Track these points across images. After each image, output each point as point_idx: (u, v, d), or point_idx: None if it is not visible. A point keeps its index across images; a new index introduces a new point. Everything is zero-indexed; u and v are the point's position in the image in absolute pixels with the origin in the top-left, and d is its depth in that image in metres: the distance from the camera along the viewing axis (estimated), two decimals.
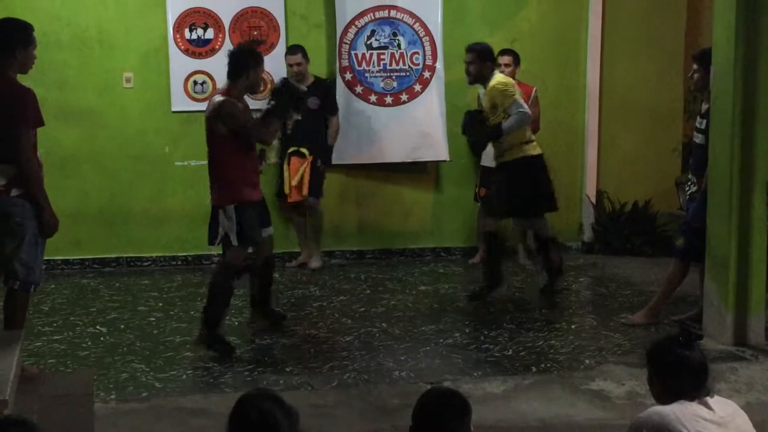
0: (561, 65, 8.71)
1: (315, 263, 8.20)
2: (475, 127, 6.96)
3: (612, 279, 7.79)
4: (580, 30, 8.70)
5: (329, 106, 8.14)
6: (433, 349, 5.92)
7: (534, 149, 6.87)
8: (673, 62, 8.75)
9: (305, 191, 8.02)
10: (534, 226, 7.11)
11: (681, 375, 3.16)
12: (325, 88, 8.14)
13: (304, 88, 6.40)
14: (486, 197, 8.17)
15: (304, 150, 7.97)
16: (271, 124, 5.91)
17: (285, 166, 7.99)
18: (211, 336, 5.82)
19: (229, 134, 5.78)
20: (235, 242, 5.78)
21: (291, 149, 7.97)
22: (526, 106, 6.72)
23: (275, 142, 6.41)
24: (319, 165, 8.10)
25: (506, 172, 6.85)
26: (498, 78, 6.78)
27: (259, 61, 5.91)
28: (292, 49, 8.00)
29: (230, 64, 5.85)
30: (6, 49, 4.93)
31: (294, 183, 7.97)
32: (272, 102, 5.95)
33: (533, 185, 6.84)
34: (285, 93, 5.99)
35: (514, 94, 6.68)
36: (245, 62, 5.81)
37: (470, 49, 6.89)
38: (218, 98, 5.81)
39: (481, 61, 6.78)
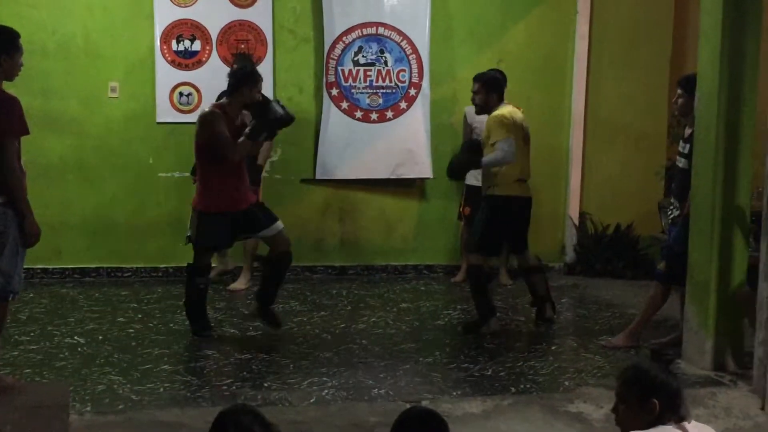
0: (546, 86, 8.75)
1: (239, 285, 7.97)
2: (463, 152, 6.91)
3: (593, 301, 7.81)
4: (566, 52, 8.75)
5: None
6: (412, 367, 5.90)
7: (524, 190, 6.68)
8: (658, 86, 8.80)
9: None
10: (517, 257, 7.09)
11: (655, 399, 3.15)
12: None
13: (279, 110, 6.33)
14: (470, 216, 8.17)
15: None
16: (243, 144, 6.20)
17: None
18: (195, 327, 6.47)
19: (205, 143, 6.17)
20: (184, 242, 6.49)
21: None
22: (513, 148, 6.47)
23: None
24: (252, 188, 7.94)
25: (490, 207, 6.66)
26: (501, 110, 6.60)
27: (254, 81, 6.30)
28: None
29: (228, 80, 6.29)
30: None
31: None
32: (252, 122, 6.25)
33: (513, 225, 6.72)
34: (264, 114, 6.26)
35: (508, 130, 6.49)
36: (241, 81, 6.23)
37: (476, 78, 6.81)
38: (205, 108, 6.38)
39: (486, 91, 6.67)
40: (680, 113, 6.39)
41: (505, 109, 6.64)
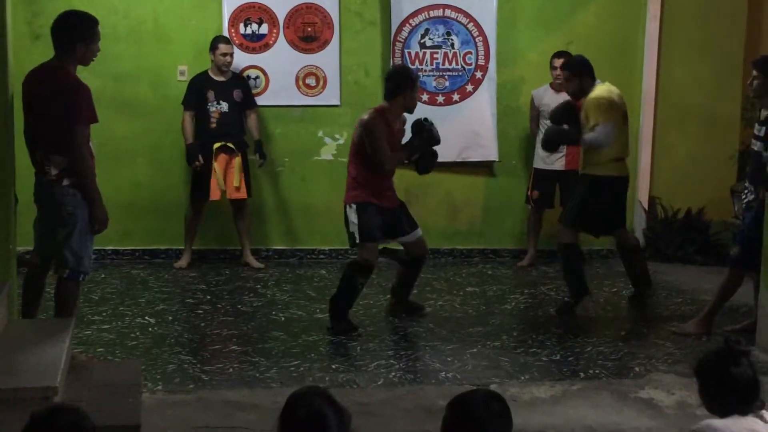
0: (617, 69, 8.54)
1: (257, 262, 8.05)
2: (559, 118, 6.78)
3: (663, 286, 7.66)
4: (637, 33, 8.58)
5: (250, 100, 8.05)
6: (480, 351, 5.87)
7: (621, 170, 6.64)
8: (731, 68, 8.58)
9: (242, 191, 7.88)
10: (615, 236, 7.04)
11: (730, 392, 3.10)
12: (244, 81, 8.08)
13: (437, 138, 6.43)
14: (538, 200, 8.11)
15: (231, 145, 7.83)
16: (398, 156, 6.31)
17: (213, 162, 7.78)
18: (337, 327, 6.22)
19: (362, 146, 6.20)
20: (349, 245, 6.40)
21: (218, 144, 7.80)
22: (612, 132, 6.41)
23: None
24: (260, 162, 8.01)
25: (587, 185, 6.64)
26: (598, 90, 6.51)
27: (415, 83, 6.29)
28: (227, 39, 7.93)
29: (387, 84, 6.33)
30: (67, 44, 4.98)
31: (236, 183, 7.80)
32: (412, 138, 6.39)
33: (608, 205, 6.67)
34: (424, 133, 6.35)
35: (605, 112, 6.41)
36: (402, 83, 6.21)
37: (563, 67, 6.80)
38: (370, 113, 6.23)
39: (578, 77, 6.58)
40: (755, 95, 6.25)
41: (602, 89, 6.56)
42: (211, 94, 7.84)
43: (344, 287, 6.27)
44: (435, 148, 6.50)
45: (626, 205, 6.94)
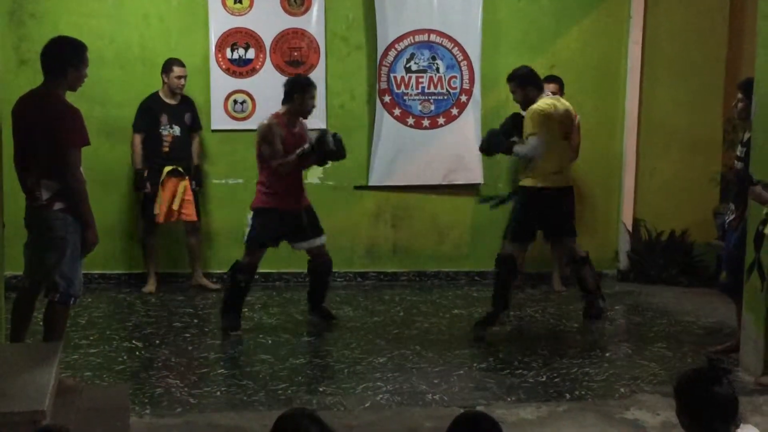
0: (600, 92, 8.69)
1: (211, 283, 8.11)
2: (506, 128, 6.85)
3: (647, 308, 7.73)
4: (620, 57, 8.69)
5: (197, 123, 8.10)
6: (466, 373, 5.91)
7: (559, 181, 6.59)
8: (713, 91, 8.70)
9: (193, 214, 7.93)
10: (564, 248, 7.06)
11: (709, 410, 3.14)
12: (193, 104, 8.09)
13: (331, 145, 6.56)
14: None
15: (180, 169, 7.87)
16: (290, 160, 6.54)
17: (159, 186, 7.81)
18: (224, 323, 6.77)
19: (260, 151, 6.63)
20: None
21: (169, 168, 7.83)
22: (541, 145, 6.44)
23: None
24: (194, 187, 7.99)
25: (525, 198, 6.68)
26: (540, 103, 6.56)
27: (304, 88, 6.64)
28: (181, 62, 7.94)
29: (284, 89, 6.70)
30: (57, 69, 5.02)
31: (175, 206, 7.84)
32: (310, 148, 6.56)
33: (548, 216, 6.64)
34: (318, 145, 6.55)
35: (539, 125, 6.45)
36: (292, 89, 6.63)
37: (508, 79, 6.81)
38: (264, 121, 6.68)
39: (521, 87, 6.67)
40: (740, 117, 6.31)
41: (544, 102, 6.60)
42: (164, 118, 7.86)
43: (227, 285, 6.88)
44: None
45: (572, 216, 6.83)
